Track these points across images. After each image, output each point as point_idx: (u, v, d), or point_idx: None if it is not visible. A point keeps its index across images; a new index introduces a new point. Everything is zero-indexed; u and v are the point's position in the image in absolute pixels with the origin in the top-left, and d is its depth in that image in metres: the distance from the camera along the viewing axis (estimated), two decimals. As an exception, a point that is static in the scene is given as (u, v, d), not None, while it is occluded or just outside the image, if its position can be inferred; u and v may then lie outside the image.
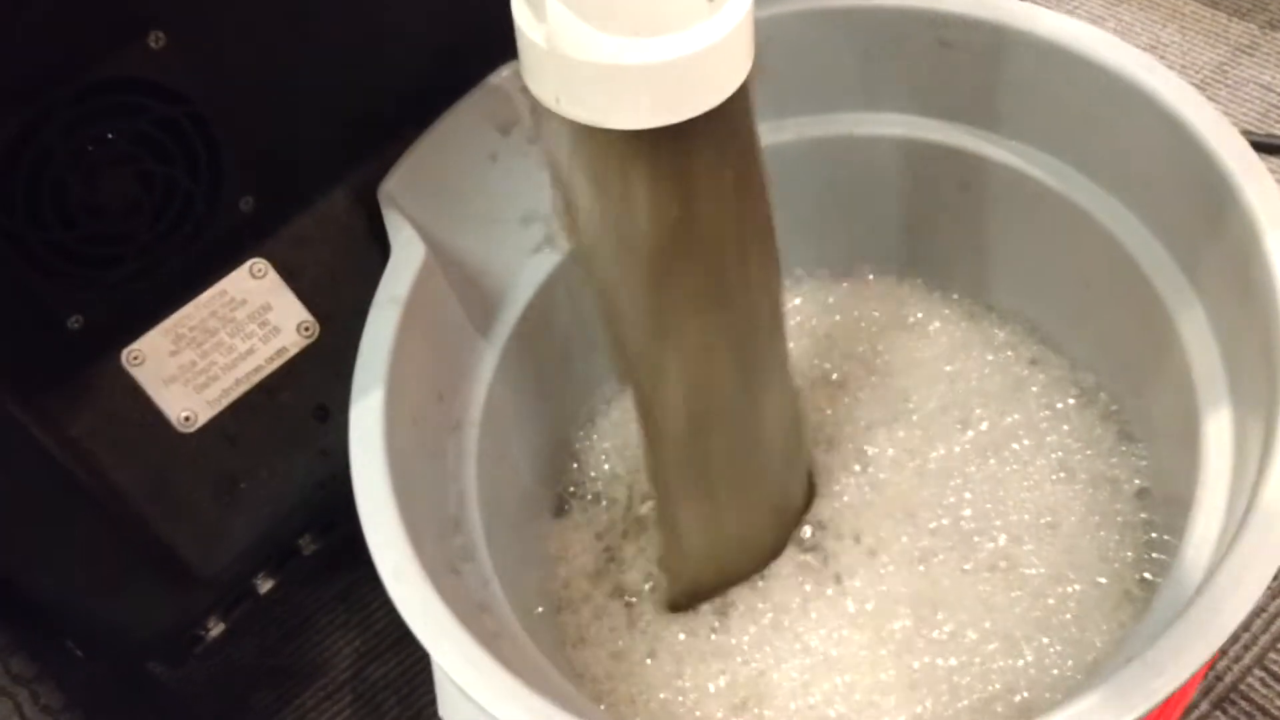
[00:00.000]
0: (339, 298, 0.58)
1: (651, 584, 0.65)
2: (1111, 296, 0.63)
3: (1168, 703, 0.38)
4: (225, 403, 0.56)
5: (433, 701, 0.75)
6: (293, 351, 0.57)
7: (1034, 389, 0.69)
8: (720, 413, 0.55)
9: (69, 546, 0.53)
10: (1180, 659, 0.38)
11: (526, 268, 0.64)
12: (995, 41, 0.61)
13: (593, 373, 0.70)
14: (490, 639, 0.46)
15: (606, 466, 0.70)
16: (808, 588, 0.63)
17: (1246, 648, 0.70)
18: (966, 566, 0.62)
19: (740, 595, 0.64)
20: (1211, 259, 0.56)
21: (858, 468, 0.67)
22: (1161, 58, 1.04)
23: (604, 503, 0.69)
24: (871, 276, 0.75)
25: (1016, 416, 0.67)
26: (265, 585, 0.61)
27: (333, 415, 0.59)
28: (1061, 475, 0.65)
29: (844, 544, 0.65)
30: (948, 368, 0.71)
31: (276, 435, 0.58)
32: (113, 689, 0.58)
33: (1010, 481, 0.65)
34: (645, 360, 0.52)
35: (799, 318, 0.74)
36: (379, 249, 0.60)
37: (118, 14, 0.47)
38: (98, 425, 0.53)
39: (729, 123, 0.45)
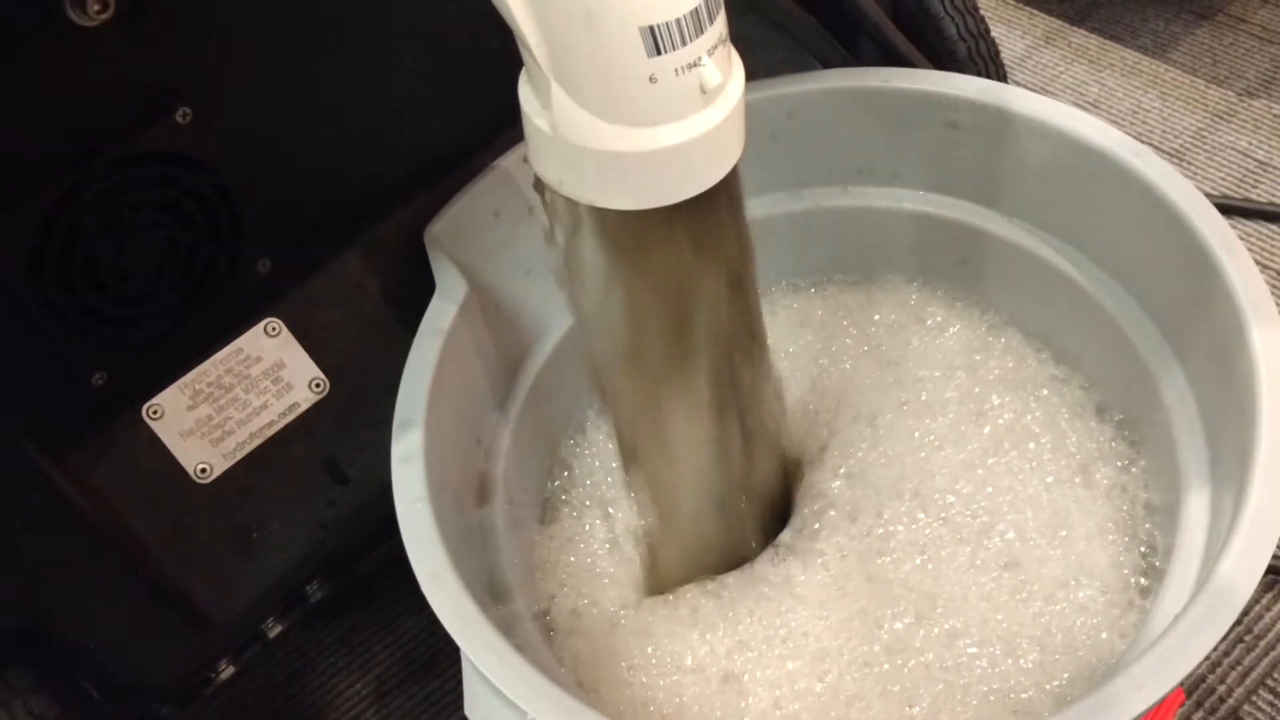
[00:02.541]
0: (349, 355, 0.61)
1: (633, 574, 0.65)
2: (1102, 359, 0.66)
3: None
4: (239, 455, 0.58)
5: (432, 745, 0.77)
6: (304, 407, 0.60)
7: (1056, 388, 0.68)
8: (696, 446, 0.57)
9: (90, 593, 0.55)
10: (1116, 709, 0.41)
11: (557, 315, 0.67)
12: (999, 125, 0.64)
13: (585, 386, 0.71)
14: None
15: (597, 476, 0.69)
16: (798, 572, 0.62)
17: (1246, 673, 0.73)
18: (973, 562, 0.61)
19: (727, 579, 0.62)
20: (1196, 337, 0.58)
21: (864, 447, 0.66)
22: (1142, 123, 1.08)
23: (591, 505, 0.68)
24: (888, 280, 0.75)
25: (1038, 414, 0.66)
26: (274, 629, 0.63)
27: (341, 468, 0.62)
28: (1078, 480, 0.63)
29: (842, 528, 0.63)
30: (971, 359, 0.70)
31: (288, 487, 0.60)
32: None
33: (1030, 478, 0.63)
34: (623, 394, 0.56)
35: (810, 313, 0.74)
36: (389, 309, 0.63)
37: (148, 92, 0.50)
38: (118, 476, 0.55)
39: (721, 201, 0.48)
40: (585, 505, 0.67)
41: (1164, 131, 1.07)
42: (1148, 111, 1.09)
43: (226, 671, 0.63)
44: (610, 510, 0.66)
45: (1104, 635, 0.57)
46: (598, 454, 0.69)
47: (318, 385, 0.60)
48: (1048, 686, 0.56)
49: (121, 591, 0.56)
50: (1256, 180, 1.02)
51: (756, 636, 0.59)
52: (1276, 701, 0.71)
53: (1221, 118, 1.08)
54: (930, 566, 0.61)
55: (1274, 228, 0.98)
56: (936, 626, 0.59)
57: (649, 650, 0.59)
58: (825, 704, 0.57)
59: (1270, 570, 0.76)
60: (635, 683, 0.58)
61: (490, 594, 0.58)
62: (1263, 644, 0.74)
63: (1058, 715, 0.41)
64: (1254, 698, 0.71)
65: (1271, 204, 0.99)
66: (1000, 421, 0.66)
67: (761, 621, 0.60)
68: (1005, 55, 1.02)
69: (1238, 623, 0.75)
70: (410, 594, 0.49)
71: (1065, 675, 0.56)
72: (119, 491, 0.55)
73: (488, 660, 0.46)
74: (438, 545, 0.50)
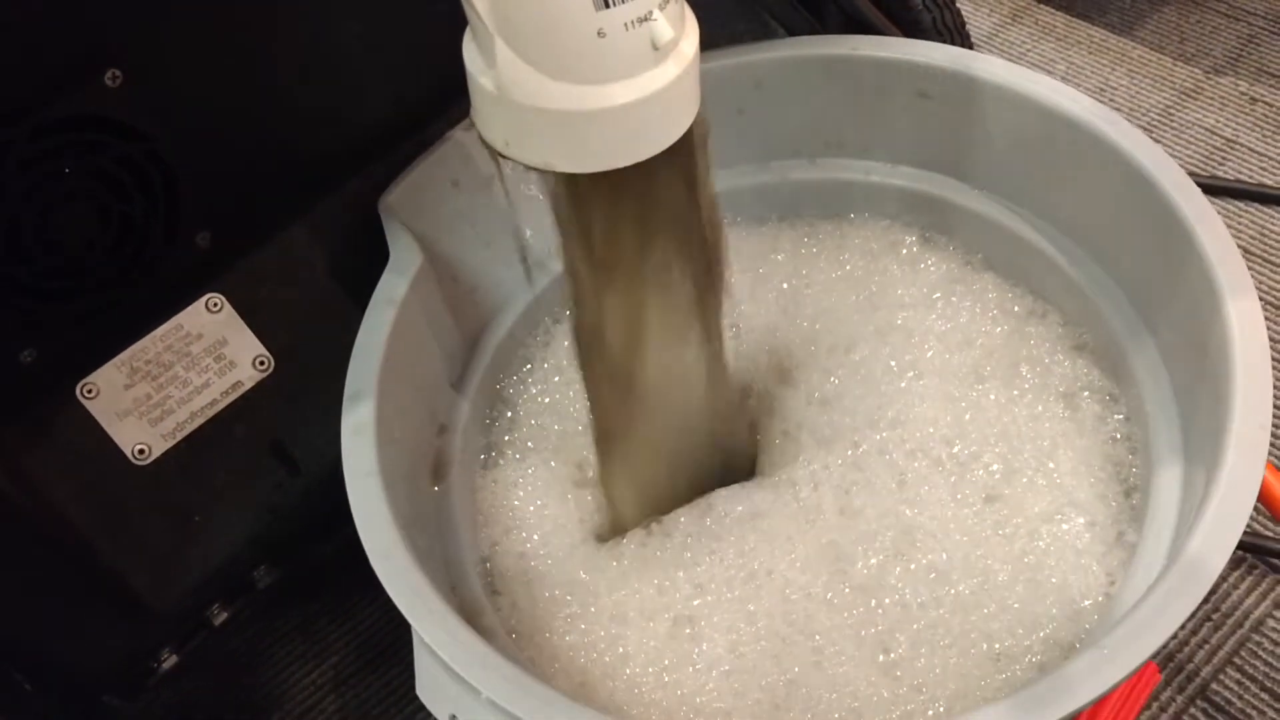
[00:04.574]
0: (295, 333, 0.59)
1: (583, 516, 0.61)
2: (1075, 325, 0.64)
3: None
4: (180, 436, 0.56)
5: (389, 736, 0.76)
6: (248, 385, 0.58)
7: (1036, 323, 0.65)
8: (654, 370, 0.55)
9: (18, 579, 0.53)
10: (1087, 682, 0.40)
11: (516, 289, 0.66)
12: (970, 94, 0.63)
13: (534, 328, 0.69)
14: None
15: (542, 417, 0.65)
16: (763, 504, 0.58)
17: (1214, 651, 0.72)
18: (954, 495, 0.57)
19: (683, 513, 0.59)
20: (1169, 309, 0.57)
21: (840, 374, 0.63)
22: (1110, 101, 1.07)
23: (536, 447, 0.64)
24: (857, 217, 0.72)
25: (1022, 346, 0.63)
26: (220, 617, 0.61)
27: (288, 449, 0.59)
28: (1063, 413, 0.60)
29: (815, 457, 0.59)
30: (950, 287, 0.66)
31: (231, 469, 0.58)
32: (63, 723, 0.58)
33: (1012, 408, 0.60)
34: (592, 335, 0.54)
35: (780, 239, 0.71)
36: (338, 286, 0.61)
37: (74, 52, 0.48)
38: (50, 458, 0.53)
39: (675, 166, 0.46)
40: (529, 447, 0.63)
41: (1131, 109, 1.06)
42: (1115, 89, 1.09)
43: (169, 660, 0.60)
44: (556, 451, 0.63)
45: (1092, 572, 0.55)
46: (542, 392, 0.66)
47: (262, 363, 0.58)
48: (1034, 628, 0.53)
49: (53, 577, 0.54)
50: (1224, 158, 1.01)
51: (715, 577, 0.55)
52: (1244, 680, 0.71)
53: (1189, 95, 1.07)
54: (908, 499, 0.57)
55: (1240, 205, 0.98)
56: (914, 562, 0.55)
57: (592, 596, 0.56)
58: (789, 649, 0.53)
59: (1239, 547, 0.75)
60: (573, 630, 0.55)
61: (446, 576, 0.56)
62: (1230, 622, 0.73)
63: (1029, 688, 0.40)
64: (1221, 675, 0.71)
65: (1238, 181, 0.99)
66: (984, 351, 0.63)
67: (721, 560, 0.56)
68: (972, 33, 1.01)
69: (1205, 600, 0.74)
70: (367, 583, 0.47)
71: (1053, 615, 0.53)
72: (51, 473, 0.53)
73: (440, 638, 0.45)
74: (389, 520, 0.48)
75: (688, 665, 0.53)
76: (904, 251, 0.69)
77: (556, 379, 0.65)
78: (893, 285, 0.67)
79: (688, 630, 0.54)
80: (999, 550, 0.55)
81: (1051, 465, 0.58)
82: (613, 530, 0.60)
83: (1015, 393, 0.61)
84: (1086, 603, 0.53)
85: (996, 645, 0.52)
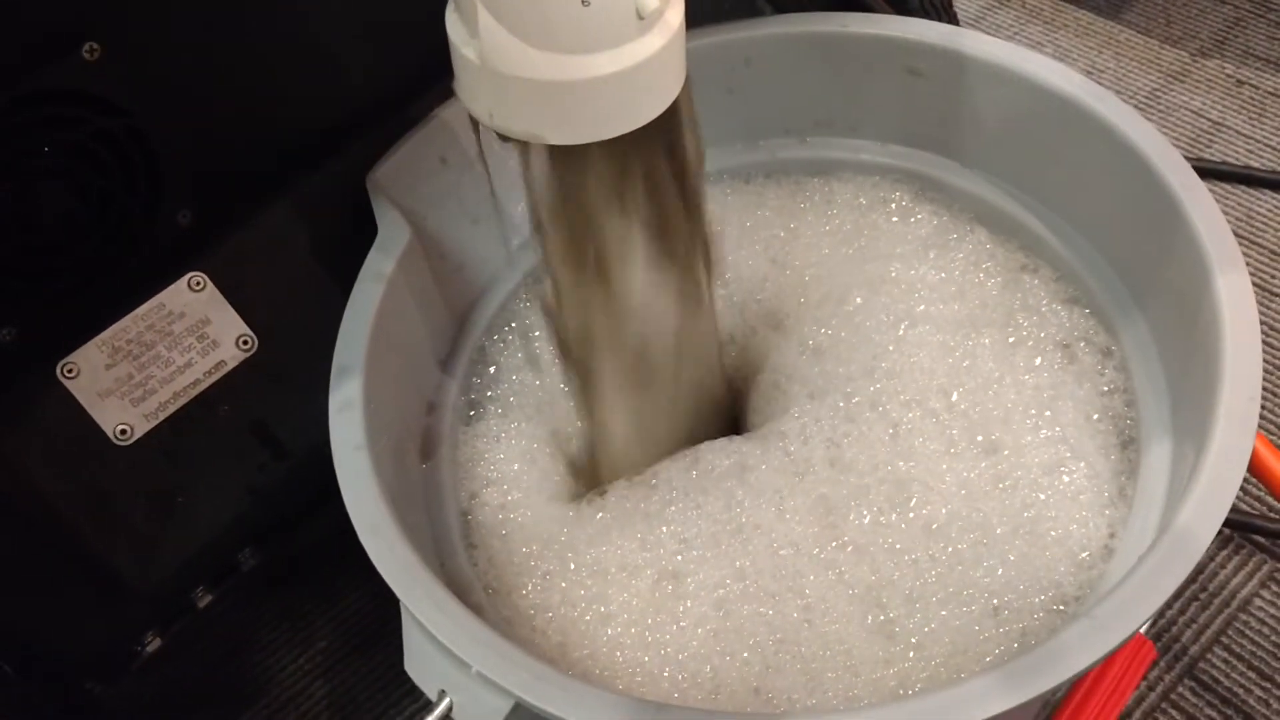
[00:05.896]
0: (278, 312, 0.58)
1: (563, 470, 0.60)
2: (1066, 301, 0.63)
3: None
4: (162, 416, 0.56)
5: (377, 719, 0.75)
6: (231, 365, 0.57)
7: (1033, 276, 0.63)
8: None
9: (-1, 561, 0.52)
10: (1078, 653, 0.40)
11: (504, 268, 0.65)
12: (960, 71, 0.63)
13: (519, 294, 0.67)
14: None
15: (523, 372, 0.64)
16: (752, 457, 0.56)
17: (1202, 630, 0.72)
18: (949, 448, 0.56)
19: (668, 467, 0.57)
20: (1159, 286, 0.57)
21: (832, 324, 0.62)
22: (1096, 84, 1.07)
23: (517, 402, 0.63)
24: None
25: (1019, 295, 0.62)
26: (204, 600, 0.61)
27: (272, 430, 0.59)
28: (1059, 365, 0.59)
29: (806, 409, 0.58)
30: (944, 239, 0.65)
31: (214, 449, 0.58)
32: (48, 709, 0.58)
33: (1010, 358, 0.59)
34: (564, 315, 0.54)
35: (766, 195, 0.69)
36: (322, 265, 0.60)
37: (50, 25, 0.47)
38: (30, 438, 0.53)
39: (660, 138, 0.46)
40: (510, 402, 0.62)
41: (1118, 92, 1.06)
42: (1102, 72, 1.08)
43: (153, 644, 0.60)
44: (537, 407, 0.62)
45: (1092, 524, 0.53)
46: (523, 347, 0.64)
47: (245, 343, 0.58)
48: (1034, 582, 0.51)
49: (34, 560, 0.53)
50: (1210, 140, 1.01)
51: (701, 531, 0.53)
52: (1231, 658, 0.71)
53: (1175, 78, 1.07)
54: (902, 451, 0.55)
55: (1227, 187, 0.98)
56: (907, 519, 0.53)
57: (571, 550, 0.54)
58: (779, 606, 0.51)
59: (1226, 524, 0.75)
60: (553, 588, 0.53)
61: (435, 552, 0.55)
62: (1218, 601, 0.73)
63: (1019, 658, 0.40)
64: (1209, 654, 0.71)
65: (1224, 164, 0.99)
66: (978, 302, 0.62)
67: (707, 513, 0.54)
68: (959, 16, 1.01)
69: (1193, 580, 0.75)
70: (353, 568, 0.47)
71: (1054, 568, 0.52)
72: (31, 454, 0.52)
73: (429, 611, 0.44)
74: (377, 494, 0.48)
75: (672, 623, 0.51)
76: (893, 206, 0.67)
77: (537, 333, 0.64)
78: (883, 239, 0.65)
79: (671, 587, 0.52)
80: (998, 503, 0.54)
81: (1050, 415, 0.56)
82: (593, 484, 0.59)
83: (1012, 340, 0.60)
84: (1085, 555, 0.52)
85: (995, 601, 0.51)
